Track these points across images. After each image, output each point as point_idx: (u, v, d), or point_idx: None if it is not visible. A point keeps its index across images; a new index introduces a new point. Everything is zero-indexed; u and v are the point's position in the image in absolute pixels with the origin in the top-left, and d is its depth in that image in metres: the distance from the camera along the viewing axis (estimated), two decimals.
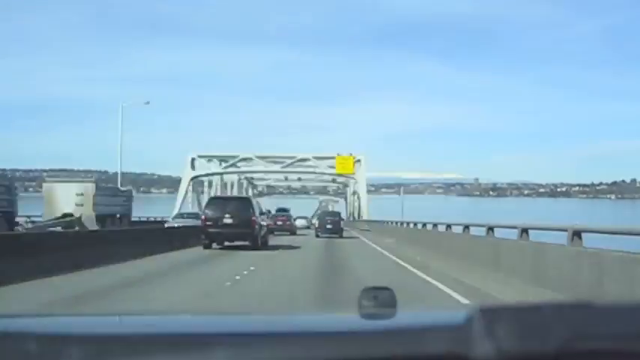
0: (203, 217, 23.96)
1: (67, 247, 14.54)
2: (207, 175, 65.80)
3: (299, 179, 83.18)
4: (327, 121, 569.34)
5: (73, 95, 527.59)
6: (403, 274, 15.02)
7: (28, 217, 32.50)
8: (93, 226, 29.45)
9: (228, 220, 23.00)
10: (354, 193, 68.30)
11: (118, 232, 24.59)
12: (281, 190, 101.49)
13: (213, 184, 68.48)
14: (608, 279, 7.39)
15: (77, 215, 30.79)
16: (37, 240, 15.30)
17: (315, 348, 1.03)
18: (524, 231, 11.44)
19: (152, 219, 48.29)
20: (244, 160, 64.71)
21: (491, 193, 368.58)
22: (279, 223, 42.78)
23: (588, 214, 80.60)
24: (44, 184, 33.70)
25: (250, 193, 73.14)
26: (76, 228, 27.63)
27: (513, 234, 12.06)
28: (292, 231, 43.36)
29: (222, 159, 64.85)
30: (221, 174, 66.95)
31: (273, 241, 27.78)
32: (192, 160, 62.48)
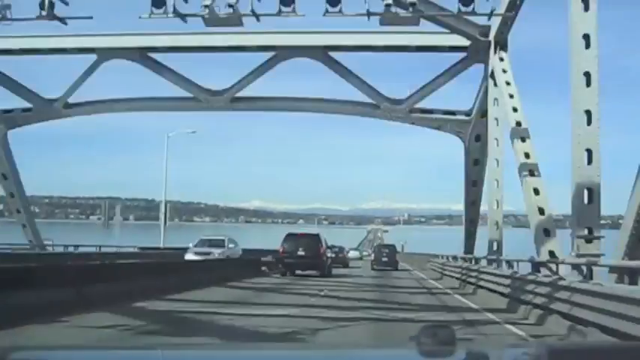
0: (281, 249, 28.85)
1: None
2: None
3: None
4: (380, 150, 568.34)
5: (127, 125, 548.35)
6: None
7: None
8: None
9: (301, 253, 28.05)
10: None
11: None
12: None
13: None
14: None
15: None
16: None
17: None
18: None
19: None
20: None
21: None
22: (333, 255, 43.15)
23: None
24: None
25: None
26: None
27: None
28: (345, 263, 43.64)
29: None
30: None
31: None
32: None
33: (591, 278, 11.37)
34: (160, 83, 26.67)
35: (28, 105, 27.70)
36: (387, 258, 38.41)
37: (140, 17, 17.17)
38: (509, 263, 17.91)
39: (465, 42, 22.57)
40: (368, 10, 16.84)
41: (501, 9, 18.53)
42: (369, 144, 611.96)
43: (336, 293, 19.53)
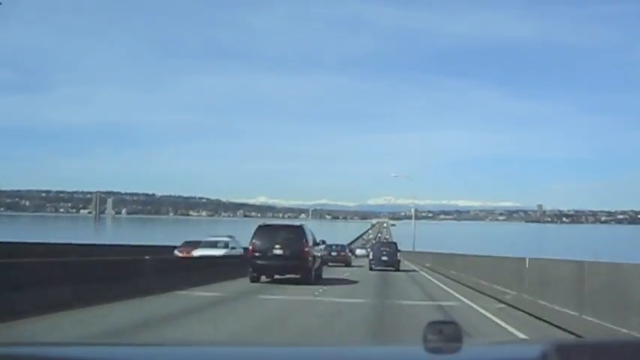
0: (250, 247, 21.33)
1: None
2: None
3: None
4: (386, 147, 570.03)
5: (131, 121, 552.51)
6: None
7: None
8: None
9: (278, 251, 20.85)
10: None
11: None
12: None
13: None
14: None
15: None
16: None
17: None
18: None
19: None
20: None
21: (564, 219, 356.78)
22: (334, 254, 41.30)
23: None
24: None
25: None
26: None
27: None
28: (347, 262, 41.70)
29: None
30: None
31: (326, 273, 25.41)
32: None
33: None
34: None
35: None
36: (387, 257, 35.90)
37: None
38: None
39: None
40: None
41: None
42: (377, 140, 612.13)
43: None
